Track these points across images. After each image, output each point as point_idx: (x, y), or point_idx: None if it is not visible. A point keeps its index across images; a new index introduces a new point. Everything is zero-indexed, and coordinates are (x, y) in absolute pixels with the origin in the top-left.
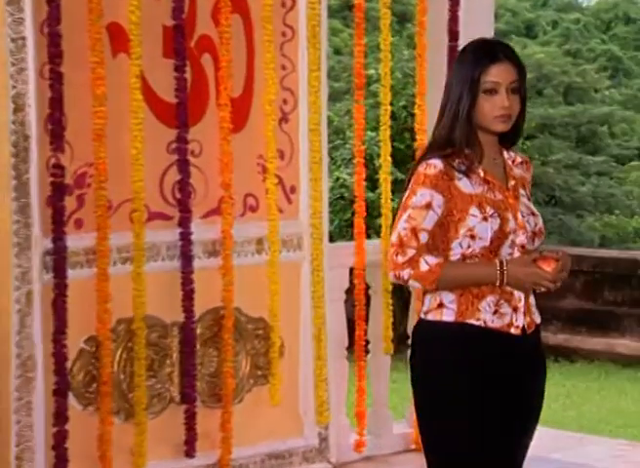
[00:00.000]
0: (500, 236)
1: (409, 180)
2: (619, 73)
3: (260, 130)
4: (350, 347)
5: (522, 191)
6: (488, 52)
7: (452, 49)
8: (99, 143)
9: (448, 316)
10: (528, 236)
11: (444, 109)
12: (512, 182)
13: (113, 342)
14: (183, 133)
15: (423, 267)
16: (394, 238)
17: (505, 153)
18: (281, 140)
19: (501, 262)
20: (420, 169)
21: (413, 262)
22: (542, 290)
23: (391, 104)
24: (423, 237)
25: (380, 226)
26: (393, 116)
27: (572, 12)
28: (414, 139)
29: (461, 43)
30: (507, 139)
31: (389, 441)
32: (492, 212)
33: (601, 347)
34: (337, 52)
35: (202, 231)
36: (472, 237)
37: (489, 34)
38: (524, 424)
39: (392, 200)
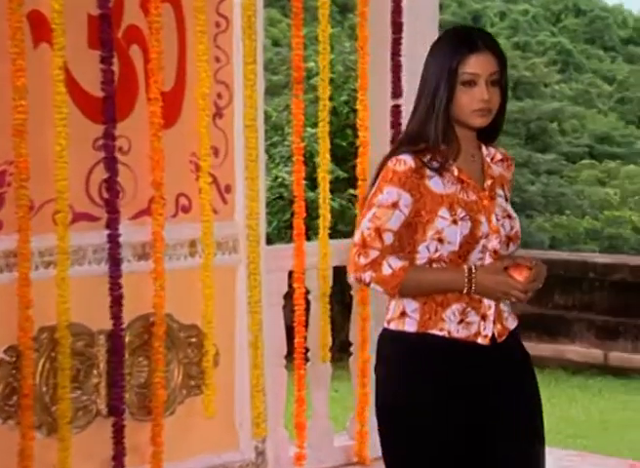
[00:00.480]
0: (470, 241)
1: (376, 176)
2: (569, 67)
3: (193, 125)
4: (289, 355)
5: (499, 191)
6: (466, 41)
7: (395, 41)
8: (19, 139)
9: (410, 326)
10: (502, 241)
11: (419, 102)
12: (489, 182)
13: (35, 352)
14: (111, 128)
15: (386, 270)
16: (357, 238)
17: (484, 149)
18: (215, 137)
19: (470, 269)
20: (390, 164)
21: (375, 265)
22: (513, 300)
23: (332, 99)
24: (388, 238)
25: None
26: (334, 112)
27: (520, 3)
28: (356, 136)
29: (405, 35)
30: (486, 135)
31: (330, 454)
32: (463, 214)
33: (550, 353)
34: (275, 43)
35: (131, 233)
36: (440, 240)
37: (433, 26)
38: (518, 445)
39: (333, 200)
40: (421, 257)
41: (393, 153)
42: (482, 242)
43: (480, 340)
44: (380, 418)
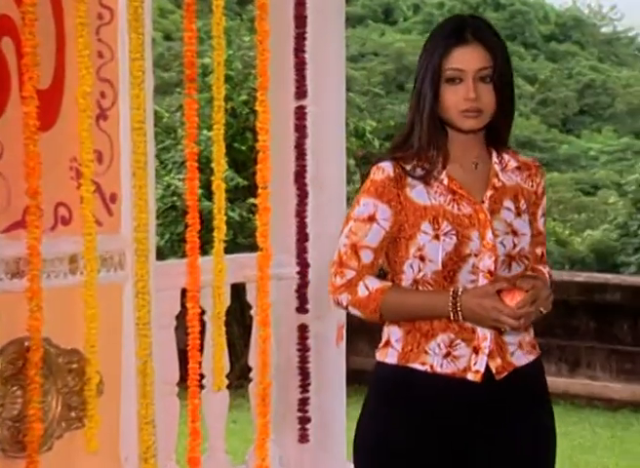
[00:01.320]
0: (454, 259)
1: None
2: None
3: (74, 128)
4: (182, 382)
5: (508, 203)
6: (453, 31)
7: (298, 36)
8: None
9: (391, 358)
10: (498, 260)
11: (410, 101)
12: (490, 192)
13: None
14: None
15: (362, 292)
16: (335, 255)
17: (495, 156)
18: (98, 140)
19: (455, 292)
20: (370, 173)
21: (351, 286)
22: (506, 328)
23: (230, 99)
24: (366, 256)
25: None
26: (233, 113)
27: None
28: (256, 140)
29: (310, 30)
30: (492, 139)
31: None
32: (448, 229)
33: None
34: (166, 37)
35: (3, 247)
36: (422, 258)
37: (339, 20)
38: None
39: (231, 210)
40: (407, 278)
41: (379, 159)
42: (471, 261)
43: (470, 376)
44: (353, 456)
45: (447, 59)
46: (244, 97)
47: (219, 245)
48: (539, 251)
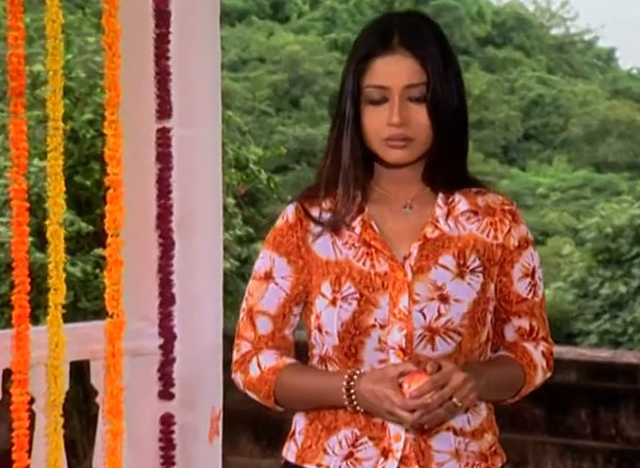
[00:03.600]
0: (353, 331)
1: None
2: None
3: None
4: None
5: (446, 260)
6: (376, 36)
7: (160, 38)
8: None
9: (291, 454)
10: (413, 334)
11: (331, 126)
12: (417, 244)
13: None
14: None
15: (254, 372)
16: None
17: (441, 197)
18: None
19: (351, 375)
20: None
21: (244, 363)
22: (405, 425)
23: (71, 118)
24: (262, 324)
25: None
26: (74, 136)
27: None
28: (105, 173)
29: (175, 30)
30: (432, 176)
31: None
32: (349, 291)
33: None
34: None
35: None
36: (320, 330)
37: (213, 17)
38: None
39: (72, 264)
40: (315, 355)
41: (290, 200)
42: (375, 334)
43: None
44: None
45: (367, 74)
46: (88, 116)
47: (55, 311)
48: (523, 323)
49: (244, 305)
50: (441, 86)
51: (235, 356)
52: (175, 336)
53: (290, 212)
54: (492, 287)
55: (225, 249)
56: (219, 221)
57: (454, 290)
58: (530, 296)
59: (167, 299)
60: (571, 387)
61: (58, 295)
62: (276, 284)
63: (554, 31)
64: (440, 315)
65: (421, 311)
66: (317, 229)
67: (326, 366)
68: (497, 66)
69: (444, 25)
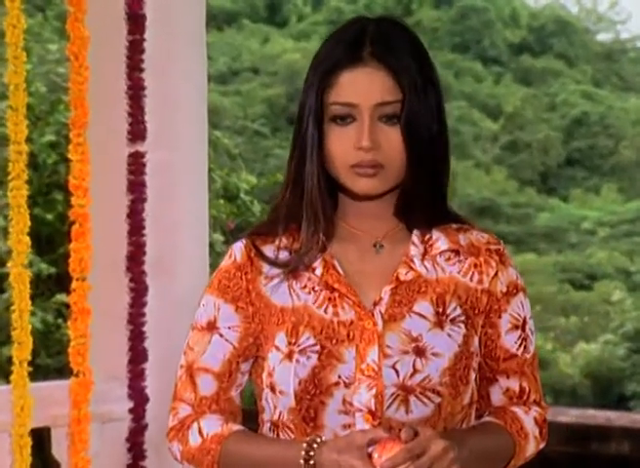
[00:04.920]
0: (312, 390)
1: None
2: None
3: None
4: None
5: (422, 306)
6: (345, 43)
7: (134, 46)
8: None
9: None
10: (384, 394)
11: (290, 149)
12: (389, 288)
13: None
14: None
15: (194, 440)
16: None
17: (416, 234)
18: None
19: (311, 443)
20: None
21: (183, 430)
22: None
23: (29, 140)
24: (204, 383)
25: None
26: (33, 162)
27: None
28: (69, 204)
29: (150, 37)
30: (406, 210)
31: None
32: (308, 343)
33: None
34: None
35: None
36: (273, 389)
37: (198, 18)
38: None
39: (32, 314)
40: (265, 419)
41: (239, 237)
42: (339, 394)
43: None
44: None
45: (332, 89)
46: (50, 138)
47: (20, 368)
48: (512, 383)
49: (182, 361)
50: (418, 104)
51: (171, 421)
52: (147, 399)
53: (238, 250)
54: (476, 340)
55: None
56: (204, 263)
57: (432, 341)
58: (520, 352)
59: (139, 355)
60: (624, 459)
61: (22, 350)
62: (221, 335)
63: (602, 37)
64: (416, 371)
65: (394, 366)
66: (271, 271)
67: (279, 433)
68: (533, 78)
69: (471, 30)
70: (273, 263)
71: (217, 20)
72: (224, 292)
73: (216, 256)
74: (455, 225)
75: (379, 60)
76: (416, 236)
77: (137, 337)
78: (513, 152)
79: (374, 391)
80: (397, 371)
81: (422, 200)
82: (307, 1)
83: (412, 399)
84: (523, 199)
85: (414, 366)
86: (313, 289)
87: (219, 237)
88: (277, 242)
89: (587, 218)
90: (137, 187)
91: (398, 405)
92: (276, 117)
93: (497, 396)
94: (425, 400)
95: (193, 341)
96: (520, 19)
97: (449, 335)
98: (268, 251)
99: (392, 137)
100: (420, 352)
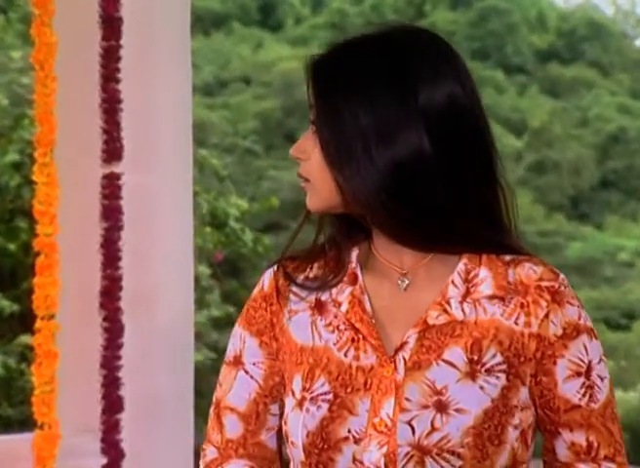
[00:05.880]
0: (320, 444)
1: None
2: None
3: None
4: None
5: (453, 354)
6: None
7: (109, 53)
8: None
9: None
10: (396, 453)
11: None
12: (414, 330)
13: None
14: None
15: None
16: None
17: (460, 271)
18: None
19: None
20: None
21: None
22: None
23: None
24: (231, 424)
25: None
26: None
27: None
28: (34, 232)
29: (127, 41)
30: (435, 242)
31: None
32: (322, 390)
33: None
34: None
35: None
36: (287, 438)
37: (182, 21)
38: None
39: (4, 354)
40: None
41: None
42: (348, 450)
43: None
44: None
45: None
46: (12, 158)
47: None
48: (577, 437)
49: (213, 398)
50: (333, 100)
51: (201, 465)
52: (122, 454)
53: (267, 277)
54: (523, 391)
55: (197, 335)
56: (188, 299)
57: (457, 395)
58: (584, 403)
59: (113, 404)
60: None
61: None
62: (246, 372)
63: None
64: (434, 429)
65: (409, 422)
66: (298, 305)
67: None
68: (563, 89)
69: (492, 34)
70: (297, 294)
71: (203, 24)
72: (250, 324)
73: (201, 292)
74: (508, 257)
75: (310, 70)
76: (459, 273)
77: (111, 384)
78: (540, 173)
79: (384, 449)
80: (413, 429)
81: (452, 227)
82: (306, 2)
83: (428, 460)
84: (551, 226)
85: (432, 423)
86: (337, 327)
87: (205, 270)
88: (307, 270)
89: (624, 249)
90: (112, 213)
91: (413, 467)
92: (270, 133)
93: (562, 451)
94: (444, 463)
95: (222, 377)
96: (548, 22)
97: (481, 388)
98: (300, 279)
99: (310, 145)
100: (441, 407)
